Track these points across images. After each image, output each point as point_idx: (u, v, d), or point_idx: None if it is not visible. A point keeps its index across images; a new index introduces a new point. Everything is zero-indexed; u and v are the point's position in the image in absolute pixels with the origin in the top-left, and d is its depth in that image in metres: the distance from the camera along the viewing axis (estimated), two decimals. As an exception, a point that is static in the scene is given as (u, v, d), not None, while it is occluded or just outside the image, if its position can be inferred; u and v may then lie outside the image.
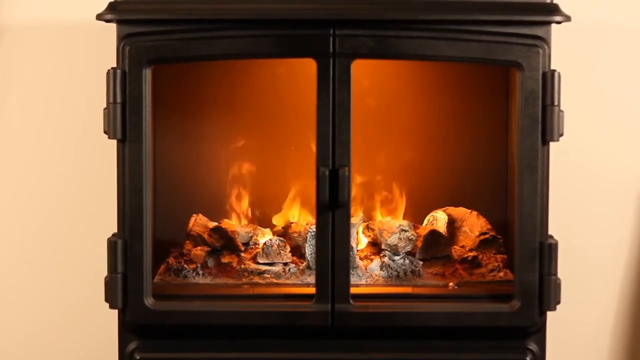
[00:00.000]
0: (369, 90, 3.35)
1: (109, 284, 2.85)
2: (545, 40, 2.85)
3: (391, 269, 3.05)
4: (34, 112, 3.41)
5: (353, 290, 2.92)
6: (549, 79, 2.84)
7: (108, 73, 2.83)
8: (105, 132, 2.84)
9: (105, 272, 2.85)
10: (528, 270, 2.87)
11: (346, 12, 2.83)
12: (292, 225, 3.21)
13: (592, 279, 3.44)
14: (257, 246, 3.14)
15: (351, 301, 2.87)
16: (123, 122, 2.84)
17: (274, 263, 3.07)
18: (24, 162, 3.42)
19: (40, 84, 3.40)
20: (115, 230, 2.90)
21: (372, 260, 3.09)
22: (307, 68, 3.33)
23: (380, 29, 2.86)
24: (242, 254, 3.10)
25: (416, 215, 3.32)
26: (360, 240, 3.18)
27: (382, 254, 3.09)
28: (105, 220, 3.23)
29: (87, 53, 3.36)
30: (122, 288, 2.86)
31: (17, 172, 3.42)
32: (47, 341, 3.47)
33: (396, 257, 3.07)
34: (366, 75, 3.33)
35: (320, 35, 2.85)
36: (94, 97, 3.20)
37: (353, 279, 2.98)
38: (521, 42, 2.86)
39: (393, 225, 3.13)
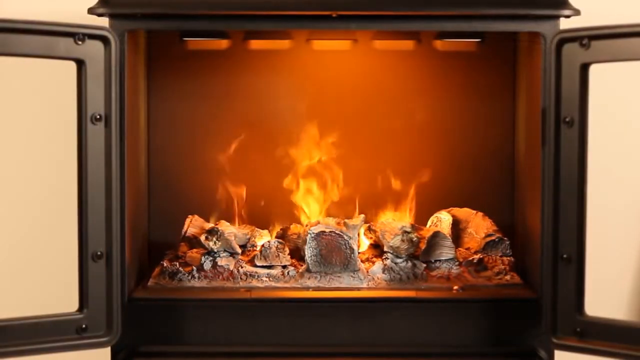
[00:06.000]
0: (374, 89, 3.31)
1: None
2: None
3: (394, 272, 3.00)
4: (25, 110, 3.39)
5: (354, 293, 2.89)
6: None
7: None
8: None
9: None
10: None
11: (345, 6, 2.78)
12: (291, 227, 3.17)
13: (600, 282, 3.38)
14: (255, 248, 3.09)
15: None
16: (119, 120, 2.79)
17: (273, 266, 3.01)
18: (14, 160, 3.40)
19: (34, 82, 3.37)
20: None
21: (374, 262, 3.04)
22: (306, 65, 3.32)
23: (380, 24, 2.83)
24: (240, 257, 3.05)
25: (419, 216, 3.28)
26: (361, 242, 3.13)
27: (384, 257, 3.03)
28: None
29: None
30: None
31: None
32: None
33: (399, 260, 3.02)
34: (370, 73, 3.31)
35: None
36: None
37: (354, 282, 2.94)
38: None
39: (395, 226, 3.08)
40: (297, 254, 3.07)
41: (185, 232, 3.14)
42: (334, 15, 2.79)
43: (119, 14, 2.78)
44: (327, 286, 2.95)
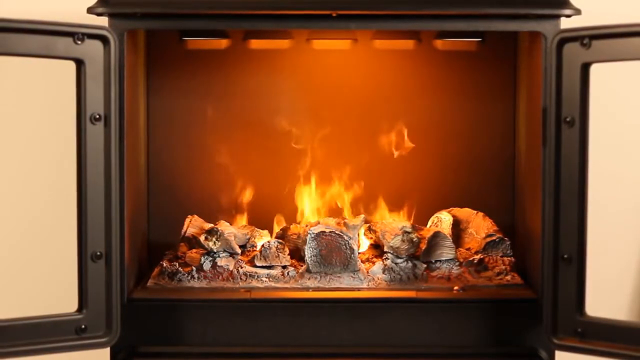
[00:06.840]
0: (374, 89, 3.30)
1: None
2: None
3: (394, 272, 2.98)
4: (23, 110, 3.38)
5: (354, 294, 2.88)
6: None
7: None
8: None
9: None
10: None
11: (345, 6, 2.77)
12: (291, 227, 3.16)
13: (600, 282, 3.37)
14: (254, 249, 3.07)
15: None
16: (119, 120, 2.78)
17: (273, 266, 3.00)
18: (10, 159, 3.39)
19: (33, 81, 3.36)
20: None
21: (374, 263, 3.03)
22: (306, 64, 3.31)
23: (380, 24, 2.82)
24: (240, 257, 3.04)
25: (420, 216, 3.26)
26: (361, 243, 3.11)
27: (384, 257, 3.02)
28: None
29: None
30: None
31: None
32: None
33: (399, 260, 3.00)
34: (370, 73, 3.30)
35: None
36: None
37: (354, 283, 2.93)
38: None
39: (396, 226, 3.06)
40: (297, 254, 3.05)
41: (185, 232, 3.12)
42: (333, 15, 2.78)
43: (119, 13, 2.77)
44: (327, 286, 2.94)
